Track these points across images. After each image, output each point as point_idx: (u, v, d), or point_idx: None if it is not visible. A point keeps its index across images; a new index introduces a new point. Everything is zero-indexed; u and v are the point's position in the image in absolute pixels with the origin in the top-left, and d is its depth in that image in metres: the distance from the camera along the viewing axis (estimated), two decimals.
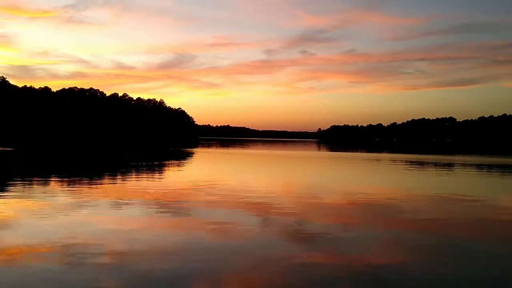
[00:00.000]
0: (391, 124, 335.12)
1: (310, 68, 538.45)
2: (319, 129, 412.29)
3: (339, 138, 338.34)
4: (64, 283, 7.34)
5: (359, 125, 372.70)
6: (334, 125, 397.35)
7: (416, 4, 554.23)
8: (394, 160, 51.73)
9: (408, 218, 14.02)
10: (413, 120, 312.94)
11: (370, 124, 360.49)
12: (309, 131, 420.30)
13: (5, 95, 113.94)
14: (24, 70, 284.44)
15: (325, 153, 73.42)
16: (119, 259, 8.72)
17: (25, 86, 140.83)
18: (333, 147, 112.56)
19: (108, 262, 8.48)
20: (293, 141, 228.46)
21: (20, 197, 16.10)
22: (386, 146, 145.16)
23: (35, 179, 22.73)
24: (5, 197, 16.20)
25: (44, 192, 17.64)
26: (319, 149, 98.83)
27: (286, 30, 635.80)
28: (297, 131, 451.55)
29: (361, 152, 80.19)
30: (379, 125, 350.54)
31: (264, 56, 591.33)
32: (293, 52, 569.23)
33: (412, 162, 47.74)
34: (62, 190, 18.49)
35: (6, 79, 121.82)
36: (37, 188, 18.88)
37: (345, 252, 9.73)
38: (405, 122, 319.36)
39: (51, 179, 23.24)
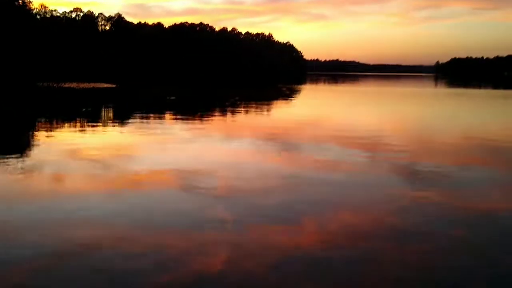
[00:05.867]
0: None
1: None
2: (437, 62, 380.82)
3: (460, 72, 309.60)
4: (179, 207, 7.79)
5: (485, 58, 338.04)
6: (455, 58, 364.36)
7: None
8: None
9: None
10: None
11: (497, 56, 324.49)
12: (425, 65, 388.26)
13: (119, 31, 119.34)
14: (141, 7, 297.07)
15: (443, 90, 66.63)
16: (229, 189, 9.00)
17: (140, 22, 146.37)
18: (453, 83, 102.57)
19: (220, 191, 8.81)
20: (408, 76, 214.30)
21: (138, 131, 17.72)
22: None
23: (149, 115, 24.91)
24: (125, 131, 17.97)
25: (159, 127, 19.50)
26: (436, 85, 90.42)
27: None
28: (412, 65, 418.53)
29: (486, 88, 71.42)
30: (510, 57, 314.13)
31: None
32: None
33: None
34: (175, 125, 19.96)
35: (122, 16, 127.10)
36: (151, 123, 20.71)
37: (459, 193, 9.03)
38: None
39: (161, 115, 25.46)
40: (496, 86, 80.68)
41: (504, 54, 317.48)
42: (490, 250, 6.26)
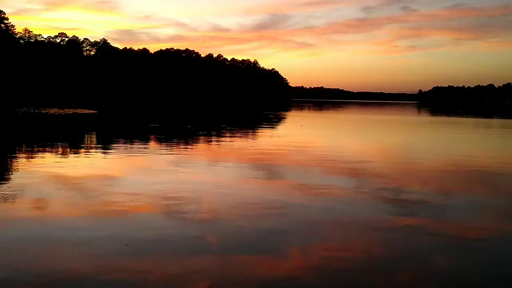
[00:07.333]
0: (504, 85, 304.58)
1: (411, 25, 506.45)
2: (420, 90, 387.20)
3: (442, 100, 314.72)
4: (166, 234, 7.46)
5: (466, 86, 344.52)
6: (437, 86, 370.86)
7: None
8: (507, 126, 45.43)
9: None
10: None
11: (478, 85, 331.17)
12: (408, 93, 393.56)
13: (104, 56, 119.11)
14: (128, 34, 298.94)
15: (426, 118, 67.32)
16: (214, 215, 8.79)
17: (125, 48, 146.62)
18: (435, 111, 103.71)
19: (204, 217, 8.62)
20: (391, 103, 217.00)
21: (121, 156, 17.40)
22: (498, 109, 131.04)
23: (130, 143, 24.87)
24: (107, 156, 17.75)
25: (140, 156, 19.05)
26: (419, 113, 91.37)
27: None
28: (395, 92, 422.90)
29: (467, 117, 72.32)
30: (490, 86, 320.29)
31: (362, 14, 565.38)
32: (393, 9, 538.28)
33: None
34: (160, 150, 19.91)
35: (107, 41, 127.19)
36: (131, 153, 20.32)
37: (444, 219, 8.97)
38: None
39: (143, 143, 25.14)
40: (478, 115, 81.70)
41: (484, 83, 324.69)
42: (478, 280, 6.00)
